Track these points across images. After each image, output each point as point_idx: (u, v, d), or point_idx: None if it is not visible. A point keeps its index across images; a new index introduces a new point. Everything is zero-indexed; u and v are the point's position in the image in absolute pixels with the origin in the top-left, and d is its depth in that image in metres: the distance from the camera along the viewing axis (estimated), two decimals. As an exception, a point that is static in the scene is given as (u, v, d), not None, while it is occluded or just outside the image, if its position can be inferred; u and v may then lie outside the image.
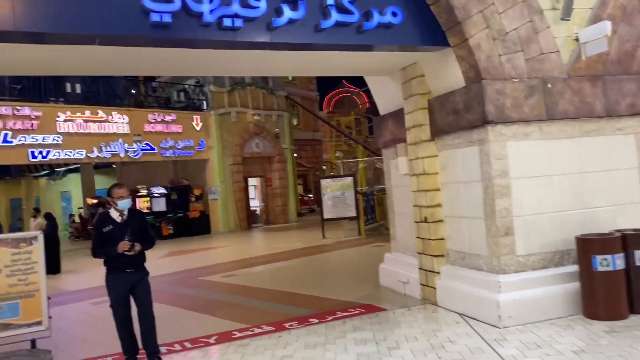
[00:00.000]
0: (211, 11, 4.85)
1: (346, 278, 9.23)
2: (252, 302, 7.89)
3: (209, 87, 21.62)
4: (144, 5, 4.62)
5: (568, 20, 5.99)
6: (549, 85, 5.89)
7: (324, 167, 37.71)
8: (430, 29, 5.97)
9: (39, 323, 5.61)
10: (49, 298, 5.71)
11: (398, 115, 7.47)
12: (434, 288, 6.66)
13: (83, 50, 4.95)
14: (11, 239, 5.56)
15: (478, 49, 5.72)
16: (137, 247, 5.02)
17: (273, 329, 6.10)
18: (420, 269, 6.98)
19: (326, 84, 44.18)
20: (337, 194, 16.16)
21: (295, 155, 31.64)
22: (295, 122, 33.94)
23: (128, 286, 5.09)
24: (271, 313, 7.02)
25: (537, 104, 5.83)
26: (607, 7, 6.11)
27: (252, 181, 24.11)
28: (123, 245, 4.93)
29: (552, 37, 5.97)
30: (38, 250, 5.65)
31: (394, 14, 5.66)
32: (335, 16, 5.38)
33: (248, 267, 11.40)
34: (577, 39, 6.00)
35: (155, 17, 4.63)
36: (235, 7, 4.96)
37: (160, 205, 21.93)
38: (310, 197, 33.28)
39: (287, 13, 5.16)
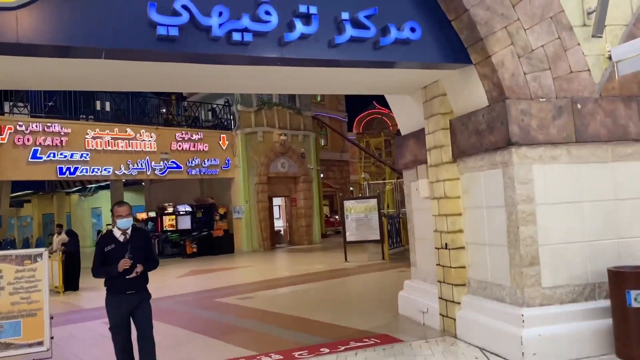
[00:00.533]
0: (220, 25, 4.69)
1: (364, 305, 8.86)
2: (265, 328, 7.60)
3: (236, 106, 21.72)
4: (150, 18, 4.49)
5: (600, 37, 5.64)
6: (579, 106, 5.52)
7: (352, 188, 37.39)
8: (451, 45, 5.70)
9: (40, 343, 5.46)
10: (51, 317, 5.56)
11: (419, 136, 7.17)
12: (454, 319, 6.26)
13: (91, 64, 4.85)
14: (15, 256, 5.45)
15: (502, 66, 5.41)
16: (139, 268, 4.83)
17: (281, 357, 5.80)
18: (440, 298, 6.60)
19: (356, 105, 44.16)
20: (361, 216, 15.81)
21: (322, 175, 31.50)
22: (323, 142, 33.91)
23: (128, 308, 4.89)
24: (282, 340, 6.72)
25: (565, 125, 5.47)
26: (642, 24, 5.74)
27: (277, 201, 23.97)
28: (123, 264, 4.76)
29: (583, 55, 5.62)
30: (42, 268, 5.52)
31: (413, 30, 5.41)
32: (350, 31, 5.16)
33: (266, 290, 11.13)
34: (609, 57, 5.62)
35: (161, 31, 4.50)
36: (246, 21, 4.80)
37: (186, 223, 22.01)
38: (336, 218, 32.96)
39: (300, 27, 4.97)
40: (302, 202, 23.55)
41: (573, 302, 5.35)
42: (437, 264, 6.63)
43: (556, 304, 5.31)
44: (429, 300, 6.94)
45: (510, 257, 5.44)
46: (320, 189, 27.40)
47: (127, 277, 4.79)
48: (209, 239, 20.78)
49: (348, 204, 16.07)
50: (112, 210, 5.00)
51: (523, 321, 5.15)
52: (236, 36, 4.74)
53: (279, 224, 24.19)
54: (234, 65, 5.16)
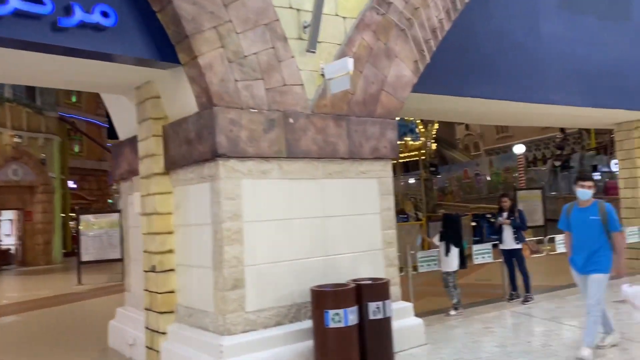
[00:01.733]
0: None
1: (74, 337, 7.54)
2: None
3: (-49, 98, 17.79)
4: None
5: (314, 52, 5.56)
6: (291, 120, 5.33)
7: (111, 200, 34.26)
8: (159, 41, 5.01)
9: None
10: None
11: (135, 143, 6.30)
12: (159, 351, 5.50)
13: None
14: None
15: (210, 70, 4.91)
16: None
17: None
18: (146, 328, 5.78)
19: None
20: (102, 232, 14.14)
21: (75, 186, 28.12)
22: (77, 149, 30.40)
23: None
24: None
25: (277, 139, 5.21)
26: (353, 46, 5.87)
27: (8, 214, 20.32)
28: None
29: (297, 69, 5.47)
30: None
31: (105, 15, 4.57)
32: (14, 2, 4.08)
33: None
34: (323, 74, 5.59)
35: None
36: None
37: None
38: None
39: None
40: (40, 216, 20.34)
41: (278, 325, 5.08)
42: (144, 290, 5.81)
43: (260, 328, 4.96)
44: (137, 331, 6.07)
45: (215, 280, 4.93)
46: (68, 201, 24.25)
47: None
48: None
49: (85, 219, 14.20)
50: None
51: (221, 352, 4.65)
52: None
53: (9, 242, 20.52)
54: None
